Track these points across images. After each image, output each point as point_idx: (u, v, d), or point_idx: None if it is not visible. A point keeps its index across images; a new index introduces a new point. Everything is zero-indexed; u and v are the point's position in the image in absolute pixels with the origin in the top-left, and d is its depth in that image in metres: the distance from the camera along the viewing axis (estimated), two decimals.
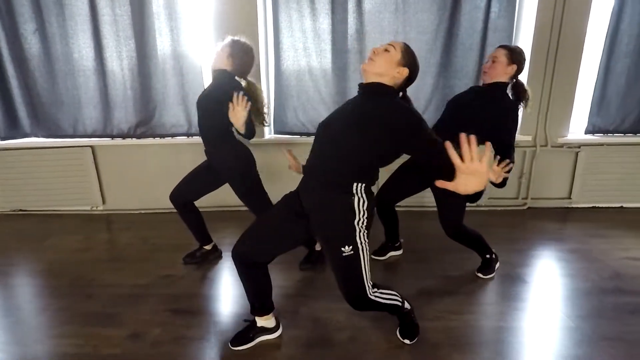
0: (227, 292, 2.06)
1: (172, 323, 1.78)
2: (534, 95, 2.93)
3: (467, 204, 2.00)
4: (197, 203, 2.24)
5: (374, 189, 1.43)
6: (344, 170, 1.32)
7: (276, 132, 3.12)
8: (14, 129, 3.09)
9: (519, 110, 1.93)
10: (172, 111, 3.04)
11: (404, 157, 1.46)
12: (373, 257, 2.33)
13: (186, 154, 3.05)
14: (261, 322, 1.61)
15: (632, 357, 1.55)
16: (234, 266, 1.52)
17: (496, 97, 1.88)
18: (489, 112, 1.84)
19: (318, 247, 2.25)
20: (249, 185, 2.09)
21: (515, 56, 1.87)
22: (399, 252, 2.40)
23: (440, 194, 1.96)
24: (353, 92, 3.01)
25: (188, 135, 3.08)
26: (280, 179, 2.86)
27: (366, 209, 1.34)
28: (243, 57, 1.99)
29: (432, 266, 2.26)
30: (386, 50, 1.33)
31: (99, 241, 2.74)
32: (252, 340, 1.61)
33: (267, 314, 1.61)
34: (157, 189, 3.09)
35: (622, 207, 3.18)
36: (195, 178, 2.17)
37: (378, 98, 1.32)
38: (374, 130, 1.25)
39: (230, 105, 1.82)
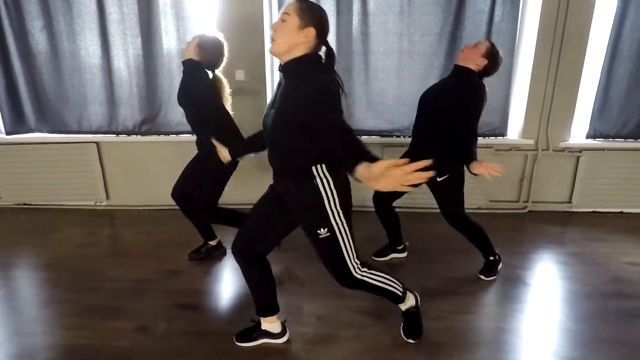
0: (231, 289, 2.08)
1: (179, 317, 1.81)
2: (536, 99, 2.98)
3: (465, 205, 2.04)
4: None
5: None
6: (294, 157, 1.31)
7: None
8: (20, 124, 3.11)
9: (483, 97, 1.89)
10: (177, 109, 3.02)
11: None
12: (373, 257, 2.35)
13: (190, 151, 3.05)
14: (265, 325, 1.61)
15: None
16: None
17: (461, 83, 1.89)
18: (449, 101, 1.87)
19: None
20: (218, 175, 2.13)
21: (486, 47, 1.89)
22: (403, 255, 2.39)
23: (433, 187, 2.01)
24: (358, 92, 3.04)
25: (193, 133, 3.09)
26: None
27: (334, 188, 1.30)
28: (211, 47, 2.04)
29: (435, 267, 2.28)
30: (283, 21, 1.25)
31: (103, 236, 2.76)
32: (255, 340, 1.62)
33: (271, 314, 1.60)
34: (161, 186, 3.08)
35: (622, 212, 3.20)
36: (187, 173, 2.25)
37: (296, 78, 1.26)
38: (292, 112, 1.22)
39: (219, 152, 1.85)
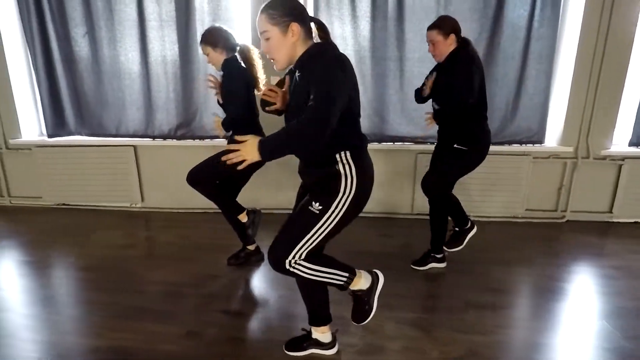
0: (273, 295, 2.09)
1: (226, 324, 1.82)
2: (577, 106, 2.89)
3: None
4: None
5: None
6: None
7: None
8: (61, 127, 3.21)
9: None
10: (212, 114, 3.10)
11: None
12: (412, 266, 2.32)
13: None
14: (316, 334, 1.61)
15: None
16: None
17: (456, 62, 2.00)
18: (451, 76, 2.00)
19: None
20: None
21: (446, 29, 1.98)
22: (442, 265, 2.34)
23: (446, 151, 2.18)
24: (392, 99, 3.01)
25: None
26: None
27: (356, 175, 1.28)
28: (221, 35, 2.07)
29: (476, 278, 2.23)
30: (267, 39, 1.25)
31: (140, 238, 2.82)
32: (305, 350, 1.61)
33: (324, 324, 1.59)
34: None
35: None
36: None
37: (307, 67, 1.27)
38: (304, 92, 1.21)
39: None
